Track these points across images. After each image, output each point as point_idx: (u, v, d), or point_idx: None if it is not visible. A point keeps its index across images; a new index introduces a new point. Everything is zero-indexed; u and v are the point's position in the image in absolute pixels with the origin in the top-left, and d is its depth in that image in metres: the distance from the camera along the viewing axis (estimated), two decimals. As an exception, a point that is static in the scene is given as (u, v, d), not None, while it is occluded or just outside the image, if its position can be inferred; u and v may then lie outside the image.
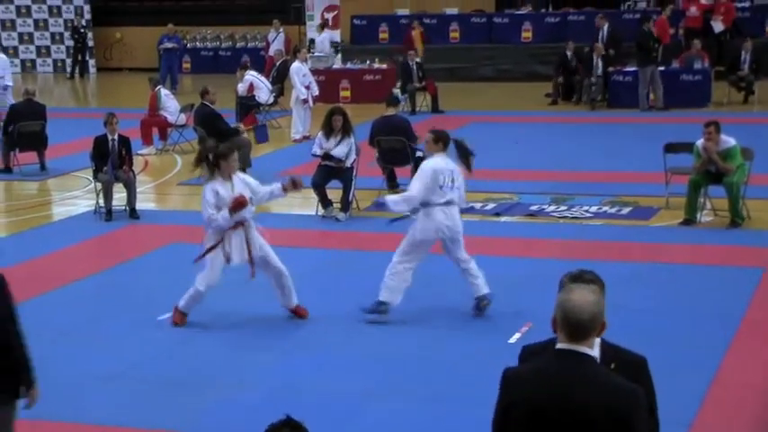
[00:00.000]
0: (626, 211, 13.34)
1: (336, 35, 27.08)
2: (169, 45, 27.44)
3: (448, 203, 9.23)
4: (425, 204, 9.18)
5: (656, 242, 11.90)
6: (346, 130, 13.26)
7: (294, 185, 9.37)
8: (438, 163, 9.23)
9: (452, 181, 9.25)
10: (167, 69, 27.08)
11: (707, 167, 12.31)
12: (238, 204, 8.99)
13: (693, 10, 25.62)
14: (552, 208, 13.54)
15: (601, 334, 3.93)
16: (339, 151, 13.18)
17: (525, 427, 3.83)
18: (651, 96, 22.15)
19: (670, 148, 13.60)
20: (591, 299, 3.87)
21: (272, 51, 26.40)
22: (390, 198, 9.54)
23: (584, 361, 3.83)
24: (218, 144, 9.73)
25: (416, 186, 9.16)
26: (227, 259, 9.17)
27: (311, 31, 27.05)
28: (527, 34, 28.08)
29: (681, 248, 11.57)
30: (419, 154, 13.27)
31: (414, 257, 9.29)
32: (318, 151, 13.36)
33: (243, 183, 9.26)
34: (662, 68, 22.18)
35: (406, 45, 25.33)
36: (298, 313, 9.51)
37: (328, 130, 13.23)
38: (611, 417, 3.73)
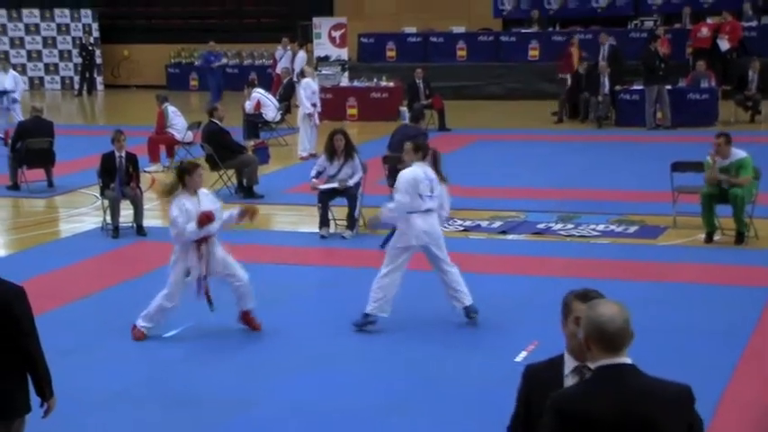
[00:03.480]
0: (633, 229, 13.31)
1: (344, 53, 27.16)
2: (217, 63, 27.84)
3: (427, 211, 9.39)
4: (408, 212, 9.34)
5: (663, 261, 11.86)
6: (349, 152, 13.27)
7: (246, 215, 9.46)
8: (416, 172, 9.41)
9: (431, 190, 9.39)
10: (217, 85, 27.51)
11: (717, 182, 12.32)
12: (206, 218, 9.10)
13: (705, 31, 25.64)
14: (559, 226, 13.52)
15: (631, 343, 3.94)
16: (344, 174, 13.22)
17: None
18: (659, 115, 22.15)
19: (677, 166, 13.59)
20: (618, 307, 3.90)
21: (279, 69, 26.48)
22: (383, 214, 9.68)
23: (631, 372, 3.85)
24: (182, 161, 9.88)
25: (400, 195, 9.33)
26: (187, 273, 9.24)
27: (318, 48, 27.14)
28: (534, 52, 28.11)
29: (688, 267, 11.53)
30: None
31: (396, 267, 9.43)
32: (315, 175, 13.30)
33: (208, 198, 9.38)
34: (669, 87, 22.19)
35: (565, 62, 24.93)
36: (248, 321, 9.51)
37: (331, 152, 13.24)
38: (679, 428, 3.79)
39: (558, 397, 3.94)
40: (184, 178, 9.28)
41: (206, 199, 9.33)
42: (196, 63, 32.27)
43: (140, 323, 9.42)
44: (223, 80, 28.15)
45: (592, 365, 3.94)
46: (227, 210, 9.63)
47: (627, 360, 3.87)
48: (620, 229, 13.37)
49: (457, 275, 9.52)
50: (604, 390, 3.82)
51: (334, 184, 13.21)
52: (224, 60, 28.25)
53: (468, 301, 9.54)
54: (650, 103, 21.95)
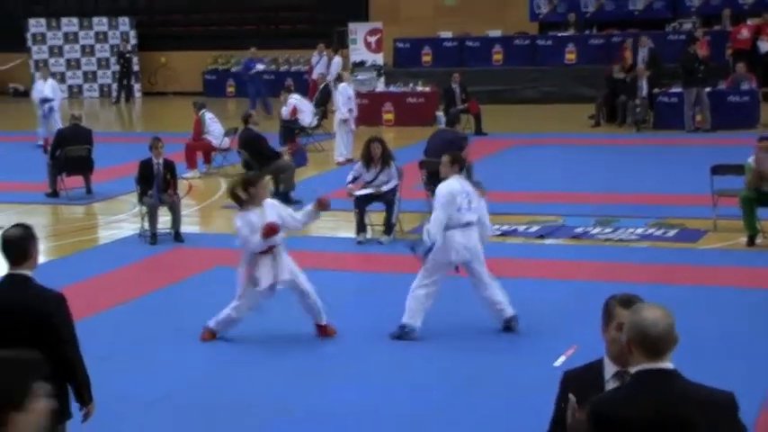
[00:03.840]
0: (672, 233, 13.18)
1: (379, 58, 27.17)
2: (254, 69, 27.86)
3: (466, 225, 9.28)
4: (445, 228, 9.23)
5: (703, 265, 11.74)
6: (386, 160, 13.25)
7: (321, 205, 9.42)
8: (453, 185, 9.33)
9: (469, 203, 9.30)
10: (255, 93, 27.52)
11: (760, 185, 12.20)
12: (270, 230, 9.10)
13: (745, 33, 25.40)
14: (597, 230, 13.42)
15: (674, 348, 3.89)
16: (379, 181, 13.23)
17: None
18: (698, 117, 21.95)
19: (717, 169, 13.45)
20: (662, 313, 3.87)
21: (315, 75, 26.54)
22: (424, 236, 9.33)
23: (673, 377, 3.81)
24: (247, 172, 9.87)
25: (437, 212, 9.23)
26: (255, 283, 9.24)
27: (354, 54, 27.17)
28: (571, 56, 27.95)
29: (729, 271, 11.41)
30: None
31: (433, 281, 9.38)
32: (351, 180, 13.30)
33: (273, 208, 9.36)
34: (708, 89, 21.99)
35: (620, 65, 24.50)
36: (324, 332, 9.55)
37: (368, 160, 13.24)
38: (716, 431, 3.75)
39: (598, 401, 3.89)
40: (249, 190, 9.27)
41: (271, 210, 9.30)
42: (233, 69, 32.42)
43: (211, 324, 9.49)
44: (263, 87, 28.11)
45: (633, 370, 3.89)
46: (303, 209, 9.65)
47: (669, 365, 3.83)
48: (659, 232, 13.25)
49: (497, 289, 9.43)
50: (645, 394, 3.78)
51: (370, 190, 13.20)
52: (259, 67, 28.27)
53: (509, 312, 9.45)
54: (689, 105, 21.76)
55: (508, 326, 9.46)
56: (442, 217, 9.22)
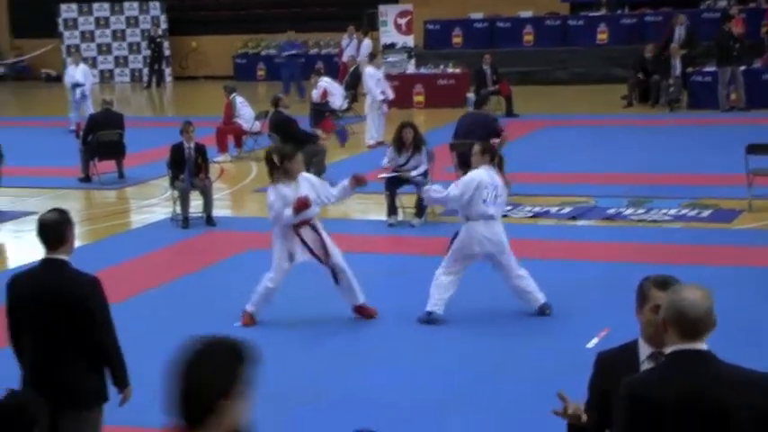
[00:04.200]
0: (706, 213, 13.06)
1: (410, 40, 27.06)
2: (285, 53, 27.73)
3: (490, 218, 9.26)
4: (467, 218, 9.25)
5: (738, 245, 11.63)
6: (417, 145, 13.21)
7: (357, 182, 9.47)
8: (482, 176, 9.29)
9: (496, 197, 9.27)
10: (290, 77, 27.41)
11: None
12: (302, 205, 9.13)
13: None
14: (630, 211, 13.32)
15: (712, 331, 3.84)
16: (410, 167, 13.19)
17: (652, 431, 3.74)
18: (732, 96, 21.71)
19: (752, 149, 13.30)
20: (702, 294, 3.82)
21: (345, 57, 26.47)
22: (432, 188, 9.62)
23: (707, 358, 3.77)
24: (282, 146, 9.88)
25: (457, 189, 9.26)
26: (291, 257, 9.24)
27: (384, 36, 27.07)
28: (602, 36, 27.73)
29: (764, 251, 11.29)
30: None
31: (456, 272, 9.38)
32: (387, 164, 13.29)
33: (308, 183, 9.39)
34: (743, 68, 21.74)
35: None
36: (363, 312, 9.53)
37: (399, 145, 13.21)
38: (755, 416, 3.68)
39: (632, 381, 3.87)
40: (284, 163, 9.30)
41: (305, 183, 9.34)
42: (262, 53, 32.38)
43: (248, 308, 9.53)
44: (297, 70, 27.84)
45: (667, 350, 3.85)
46: (339, 184, 9.63)
47: (704, 346, 3.78)
48: (693, 213, 13.13)
49: (527, 279, 9.38)
50: (679, 374, 3.74)
51: (398, 174, 13.17)
52: (292, 51, 28.15)
53: (541, 299, 9.41)
54: (723, 84, 21.52)
55: (542, 313, 9.42)
56: (454, 195, 9.24)
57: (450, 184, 9.59)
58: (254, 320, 9.50)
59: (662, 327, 3.85)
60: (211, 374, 3.14)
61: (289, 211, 9.16)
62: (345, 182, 9.56)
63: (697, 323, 3.76)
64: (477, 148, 9.56)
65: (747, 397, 3.71)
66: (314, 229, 9.37)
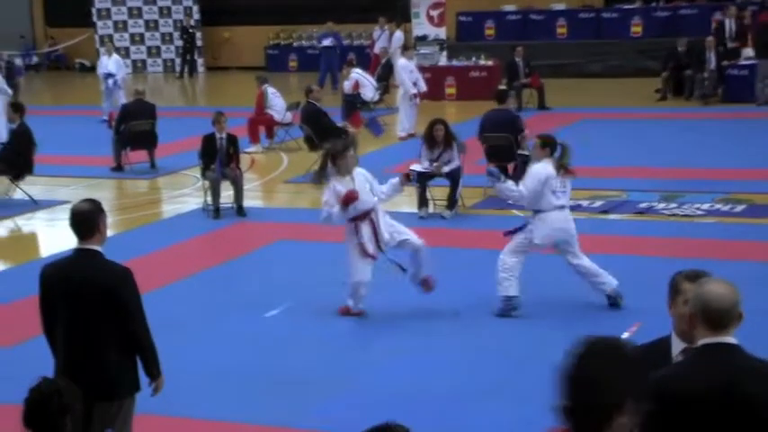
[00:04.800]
0: (740, 208, 12.95)
1: (442, 32, 26.99)
2: (328, 43, 27.59)
3: (561, 207, 9.33)
4: (539, 210, 9.30)
5: (771, 241, 11.52)
6: (448, 141, 13.18)
7: (408, 179, 9.78)
8: (548, 169, 9.33)
9: (564, 186, 9.37)
10: (327, 67, 27.28)
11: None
12: (348, 199, 9.23)
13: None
14: (662, 206, 13.23)
15: (738, 325, 3.84)
16: (442, 161, 13.16)
17: (682, 424, 3.74)
18: (768, 90, 21.51)
19: (787, 143, 13.17)
20: (728, 287, 3.84)
21: (377, 49, 26.42)
22: (507, 185, 9.48)
23: (735, 351, 3.77)
24: (334, 144, 9.92)
25: (528, 187, 9.26)
26: (363, 251, 9.35)
27: (417, 28, 27.00)
28: (637, 29, 27.54)
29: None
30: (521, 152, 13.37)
31: (523, 256, 9.39)
32: (420, 167, 13.26)
33: (363, 177, 9.52)
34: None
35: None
36: (425, 284, 9.65)
37: (431, 142, 13.20)
38: None
39: (659, 376, 3.85)
40: (336, 161, 9.40)
41: (360, 178, 9.46)
42: (294, 45, 32.39)
43: (348, 301, 9.59)
44: (334, 61, 27.63)
45: (696, 344, 3.84)
46: (389, 181, 9.75)
47: (732, 339, 3.78)
48: (726, 208, 13.02)
49: (593, 268, 9.40)
50: (706, 367, 3.75)
51: (430, 169, 13.14)
52: (325, 42, 28.03)
53: (612, 284, 9.41)
54: (761, 77, 21.31)
55: (613, 300, 9.42)
56: (525, 194, 9.26)
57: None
58: (349, 312, 9.54)
59: (690, 321, 3.85)
60: (614, 387, 3.00)
61: (337, 208, 9.27)
62: (396, 180, 9.69)
63: (722, 314, 3.77)
64: (537, 142, 9.62)
65: None
66: (377, 218, 9.45)
